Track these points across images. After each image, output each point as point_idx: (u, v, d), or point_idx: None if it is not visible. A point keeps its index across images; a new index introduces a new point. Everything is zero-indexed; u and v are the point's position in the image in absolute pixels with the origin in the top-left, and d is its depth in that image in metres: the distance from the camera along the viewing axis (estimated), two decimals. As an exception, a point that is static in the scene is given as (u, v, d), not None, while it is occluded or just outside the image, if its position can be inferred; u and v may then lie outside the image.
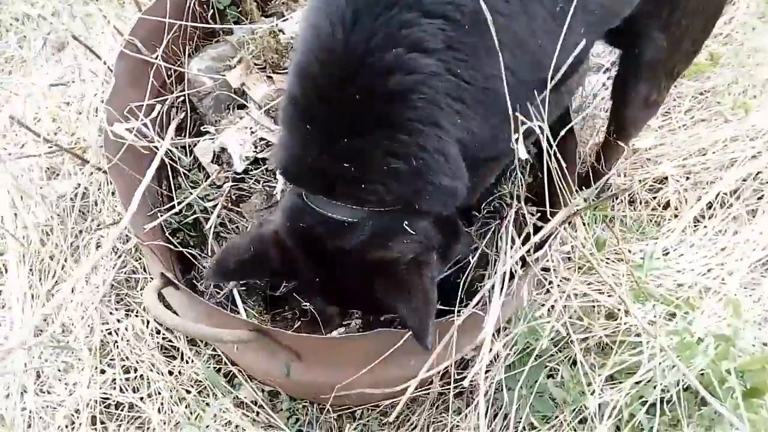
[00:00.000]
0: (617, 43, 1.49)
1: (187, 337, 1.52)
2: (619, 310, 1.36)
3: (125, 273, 1.60)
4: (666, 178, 1.87)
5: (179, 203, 1.48)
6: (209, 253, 1.51)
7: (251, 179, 1.58)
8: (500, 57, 0.87)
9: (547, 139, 1.01)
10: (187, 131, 1.70)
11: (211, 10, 1.75)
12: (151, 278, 1.58)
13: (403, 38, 0.89)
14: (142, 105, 1.49)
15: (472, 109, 0.99)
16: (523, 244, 1.21)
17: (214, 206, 1.54)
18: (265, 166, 1.59)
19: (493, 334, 1.14)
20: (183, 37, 1.69)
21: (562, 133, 1.09)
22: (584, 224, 1.48)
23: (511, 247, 1.30)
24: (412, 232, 1.03)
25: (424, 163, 0.96)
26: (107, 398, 1.45)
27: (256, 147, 1.61)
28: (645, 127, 1.91)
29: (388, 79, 0.90)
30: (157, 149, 1.45)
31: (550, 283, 1.26)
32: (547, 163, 1.03)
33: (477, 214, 1.52)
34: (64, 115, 1.84)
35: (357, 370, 1.26)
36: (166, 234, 1.50)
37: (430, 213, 1.07)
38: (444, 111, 0.95)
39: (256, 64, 1.72)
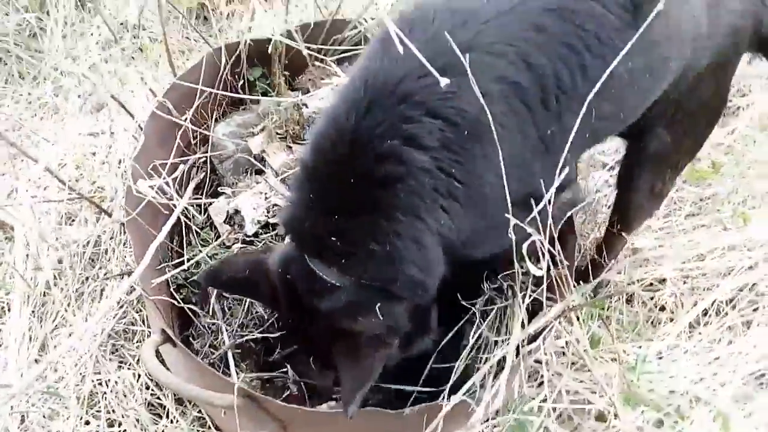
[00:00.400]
0: (623, 134, 1.56)
1: (175, 395, 1.51)
2: (609, 412, 1.36)
3: (124, 324, 1.62)
4: (664, 279, 1.89)
5: (188, 260, 1.52)
6: (210, 312, 1.53)
7: (260, 243, 1.63)
8: (502, 166, 0.93)
9: (548, 236, 1.05)
10: (205, 190, 1.77)
11: (242, 81, 1.86)
12: (149, 332, 1.59)
13: (403, 131, 0.98)
14: (166, 163, 1.57)
15: (465, 209, 1.05)
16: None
17: (221, 266, 1.57)
18: (275, 231, 1.64)
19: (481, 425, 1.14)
20: (212, 103, 1.79)
21: (564, 225, 1.14)
22: (578, 319, 1.49)
23: (505, 340, 1.31)
24: (380, 315, 1.09)
25: (396, 249, 1.03)
26: (87, 452, 1.42)
27: (268, 212, 1.66)
28: (646, 227, 1.96)
29: (381, 166, 0.99)
30: (175, 206, 1.50)
31: (542, 376, 1.27)
32: (548, 260, 1.08)
33: (484, 287, 1.52)
34: (89, 164, 1.92)
35: (343, 447, 1.25)
36: (171, 289, 1.53)
37: (406, 298, 1.12)
38: (427, 204, 1.02)
39: (278, 134, 1.81)
